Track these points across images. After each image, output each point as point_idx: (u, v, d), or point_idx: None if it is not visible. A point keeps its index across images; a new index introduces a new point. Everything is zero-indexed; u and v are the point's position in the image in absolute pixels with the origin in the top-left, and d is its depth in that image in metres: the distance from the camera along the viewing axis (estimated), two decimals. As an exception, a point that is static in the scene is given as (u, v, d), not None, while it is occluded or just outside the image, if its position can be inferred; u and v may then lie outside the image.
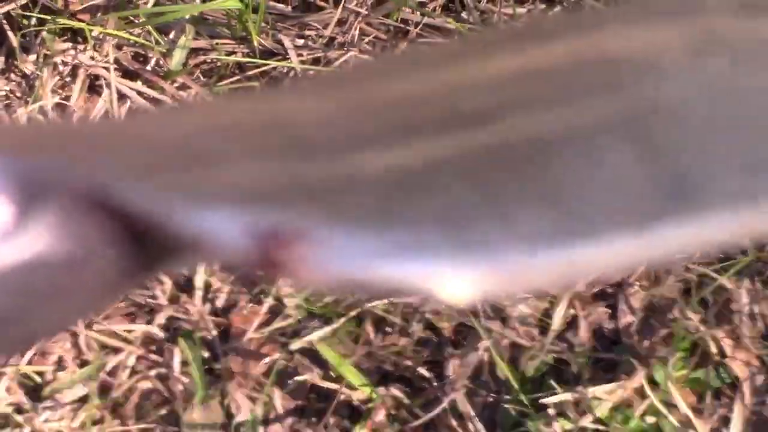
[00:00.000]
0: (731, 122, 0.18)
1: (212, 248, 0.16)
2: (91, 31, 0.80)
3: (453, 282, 0.16)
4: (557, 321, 0.70)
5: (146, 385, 0.72)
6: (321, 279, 0.16)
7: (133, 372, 0.73)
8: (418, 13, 0.79)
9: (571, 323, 0.72)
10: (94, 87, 0.78)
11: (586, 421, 0.69)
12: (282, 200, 0.17)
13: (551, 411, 0.70)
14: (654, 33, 0.21)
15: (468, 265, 0.16)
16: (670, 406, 0.69)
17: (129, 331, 0.73)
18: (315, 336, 0.71)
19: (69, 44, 0.78)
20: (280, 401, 0.72)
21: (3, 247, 0.16)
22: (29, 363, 0.73)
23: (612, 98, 0.19)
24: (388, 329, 0.72)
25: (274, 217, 0.16)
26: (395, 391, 0.71)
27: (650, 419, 0.70)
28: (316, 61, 0.78)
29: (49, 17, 0.80)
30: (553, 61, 0.20)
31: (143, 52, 0.80)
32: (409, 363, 0.71)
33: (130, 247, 0.18)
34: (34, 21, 0.81)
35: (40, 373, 0.73)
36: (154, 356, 0.73)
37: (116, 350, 0.73)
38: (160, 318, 0.73)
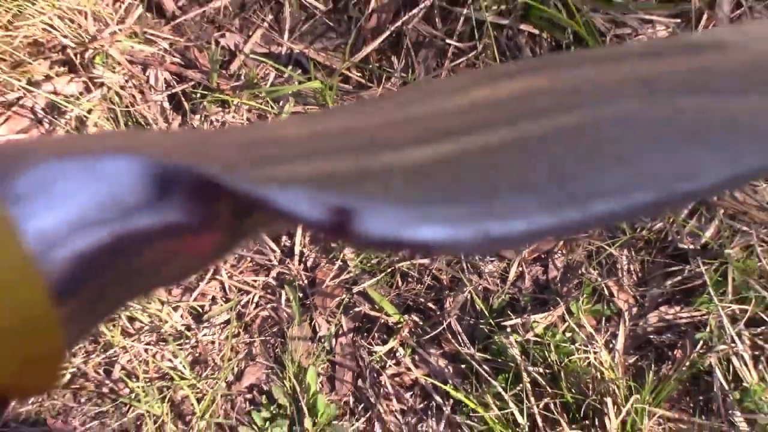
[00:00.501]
0: (611, 143, 0.22)
1: (295, 220, 0.19)
2: (233, 100, 1.02)
3: (447, 245, 0.19)
4: (512, 274, 0.98)
5: (264, 313, 1.01)
6: (367, 242, 0.19)
7: (257, 305, 1.01)
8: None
9: (520, 275, 0.98)
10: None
11: (530, 335, 0.94)
12: (343, 185, 0.20)
13: (508, 330, 0.95)
14: (577, 75, 0.25)
15: (461, 234, 0.19)
16: (580, 326, 0.94)
17: (255, 281, 1.01)
18: (366, 284, 0.98)
19: (219, 109, 1.02)
20: (345, 323, 0.99)
21: (150, 213, 0.20)
22: (195, 300, 1.00)
23: (545, 122, 0.23)
24: (409, 279, 0.99)
25: (337, 198, 0.19)
26: (414, 317, 0.98)
27: (568, 334, 0.95)
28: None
29: (208, 93, 1.02)
30: (509, 92, 0.25)
31: (264, 114, 1.03)
32: (422, 300, 0.98)
33: (236, 218, 0.21)
34: (199, 95, 1.02)
35: (201, 306, 1.01)
36: (269, 296, 1.01)
37: (247, 292, 1.00)
38: (273, 273, 1.01)
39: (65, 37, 1.04)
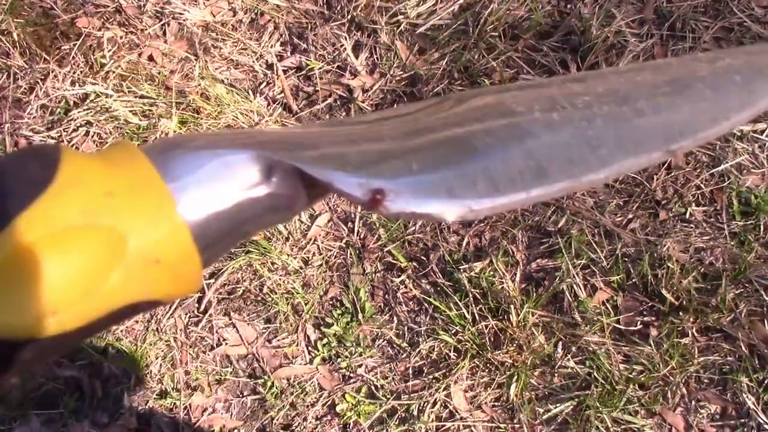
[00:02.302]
0: (561, 140, 0.27)
1: (344, 195, 0.24)
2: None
3: (449, 215, 0.23)
4: (465, 242, 1.64)
5: (339, 261, 1.60)
6: (393, 213, 0.24)
7: (336, 256, 1.60)
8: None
9: (468, 242, 1.63)
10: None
11: (472, 274, 1.54)
12: (376, 169, 0.24)
13: (461, 270, 1.58)
14: (527, 97, 0.31)
15: (456, 208, 0.23)
16: (498, 269, 1.58)
17: (334, 245, 1.60)
18: (391, 246, 1.56)
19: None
20: (379, 266, 1.58)
21: (258, 188, 0.25)
22: (304, 254, 1.62)
23: (509, 126, 0.28)
24: (413, 244, 1.58)
25: (372, 181, 0.23)
26: (414, 264, 1.57)
27: (492, 273, 1.59)
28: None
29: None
30: (482, 105, 0.30)
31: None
32: (419, 254, 1.58)
33: (309, 191, 0.27)
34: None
35: (307, 257, 1.59)
36: (341, 253, 1.60)
37: (330, 249, 1.59)
38: (343, 241, 1.60)
39: (243, 123, 1.56)
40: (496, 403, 1.47)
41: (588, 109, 0.32)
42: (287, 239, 1.63)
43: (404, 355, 1.51)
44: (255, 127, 1.57)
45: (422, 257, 1.59)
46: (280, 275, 1.59)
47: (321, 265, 1.60)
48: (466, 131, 0.31)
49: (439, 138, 0.31)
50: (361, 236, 1.62)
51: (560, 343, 1.49)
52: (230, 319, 1.58)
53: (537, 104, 0.32)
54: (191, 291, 0.28)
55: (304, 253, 1.61)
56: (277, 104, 1.68)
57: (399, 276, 1.59)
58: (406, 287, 1.59)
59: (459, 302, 1.52)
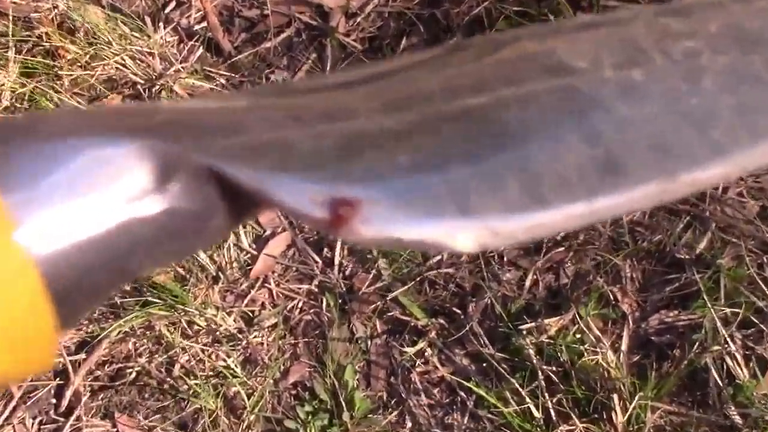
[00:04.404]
0: (643, 118, 0.23)
1: (288, 211, 0.21)
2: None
3: (461, 241, 0.20)
4: (528, 282, 1.20)
5: (308, 317, 1.24)
6: (368, 238, 0.20)
7: (301, 310, 1.25)
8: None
9: (535, 283, 1.21)
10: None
11: (543, 338, 1.16)
12: (341, 166, 0.21)
13: (524, 332, 1.17)
14: (593, 44, 0.26)
15: (472, 229, 0.20)
16: (589, 329, 1.16)
17: (299, 288, 1.25)
18: (398, 291, 1.22)
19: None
20: (379, 326, 1.23)
21: (148, 201, 0.22)
22: (246, 306, 1.23)
23: (563, 92, 0.24)
24: (436, 287, 1.23)
25: (335, 187, 0.20)
26: (441, 321, 1.21)
27: (578, 336, 1.16)
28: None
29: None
30: (517, 55, 0.26)
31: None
32: (448, 305, 1.21)
33: (232, 204, 0.23)
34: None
35: (252, 311, 1.25)
36: (312, 302, 1.24)
37: (293, 298, 1.25)
38: (316, 281, 1.24)
39: (135, 74, 1.30)
40: None
41: (693, 63, 0.25)
42: (215, 279, 1.31)
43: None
44: (156, 84, 1.32)
45: (455, 309, 1.25)
46: (204, 344, 1.27)
47: (275, 325, 1.28)
48: (490, 101, 0.25)
49: (446, 112, 0.25)
50: (346, 272, 1.29)
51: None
52: (113, 426, 1.27)
53: (608, 55, 0.26)
54: (39, 371, 0.23)
55: (246, 305, 1.29)
56: (197, 41, 1.41)
57: (414, 343, 1.25)
58: (426, 363, 1.24)
59: (521, 388, 1.17)
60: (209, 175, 0.22)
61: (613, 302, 1.23)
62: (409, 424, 1.22)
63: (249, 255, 1.33)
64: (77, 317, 0.23)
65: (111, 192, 0.22)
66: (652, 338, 1.22)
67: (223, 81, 1.32)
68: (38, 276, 0.21)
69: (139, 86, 1.29)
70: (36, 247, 0.21)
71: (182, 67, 1.34)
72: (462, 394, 1.21)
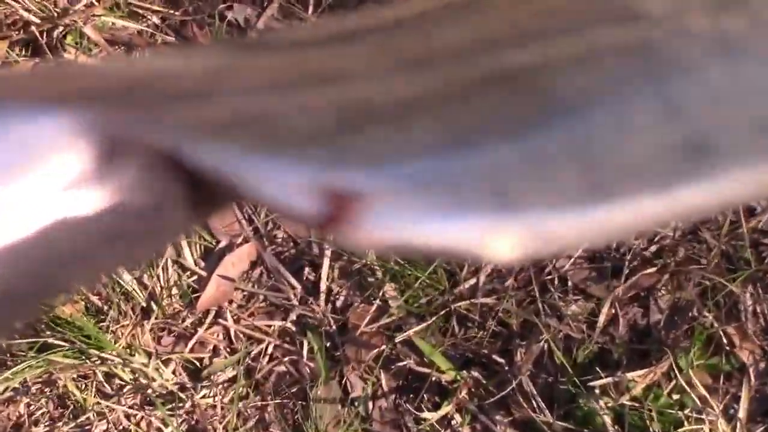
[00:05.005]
0: (745, 84, 0.22)
1: (270, 205, 0.19)
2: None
3: (498, 243, 0.19)
4: (602, 318, 1.00)
5: (281, 368, 1.07)
6: (376, 241, 0.19)
7: (271, 358, 1.07)
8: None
9: (613, 319, 1.01)
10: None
11: (624, 399, 0.98)
12: (338, 146, 0.20)
13: (597, 391, 0.98)
14: None
15: (510, 227, 0.19)
16: (691, 386, 0.97)
17: (269, 326, 1.07)
18: (412, 330, 1.02)
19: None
20: (385, 382, 1.04)
21: (85, 194, 0.20)
22: (191, 351, 1.05)
23: (636, 47, 0.23)
24: (469, 324, 1.03)
25: (330, 173, 0.19)
26: (475, 374, 1.02)
27: (675, 396, 0.98)
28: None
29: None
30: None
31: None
32: (485, 351, 1.02)
33: (198, 194, 0.22)
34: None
35: (200, 359, 1.08)
36: (287, 345, 1.07)
37: (259, 341, 1.08)
38: (293, 315, 1.07)
39: (28, 10, 1.11)
40: None
41: None
42: (146, 312, 1.17)
43: None
44: (58, 25, 1.16)
45: (496, 357, 1.08)
46: (129, 407, 1.11)
47: (234, 379, 1.11)
48: (537, 59, 0.23)
49: (479, 74, 0.23)
50: (338, 303, 1.12)
51: None
52: None
53: None
54: None
55: (192, 350, 1.14)
56: None
57: (437, 406, 1.07)
58: None
59: None
60: (165, 156, 0.21)
61: (727, 348, 1.04)
62: None
63: (195, 276, 1.18)
64: None
65: (37, 180, 0.20)
66: None
67: (156, 20, 1.16)
68: None
69: (33, 28, 1.13)
70: None
71: (97, 1, 1.16)
72: (504, 482, 1.02)
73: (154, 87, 0.23)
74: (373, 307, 1.08)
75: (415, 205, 0.19)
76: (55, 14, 1.11)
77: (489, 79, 0.23)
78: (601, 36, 0.23)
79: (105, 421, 1.07)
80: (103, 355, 1.09)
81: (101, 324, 1.12)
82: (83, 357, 1.11)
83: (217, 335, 1.11)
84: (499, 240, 0.19)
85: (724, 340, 1.02)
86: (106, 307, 1.13)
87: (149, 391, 1.08)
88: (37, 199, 0.20)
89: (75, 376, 1.11)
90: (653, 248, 1.05)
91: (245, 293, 1.14)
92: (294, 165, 0.20)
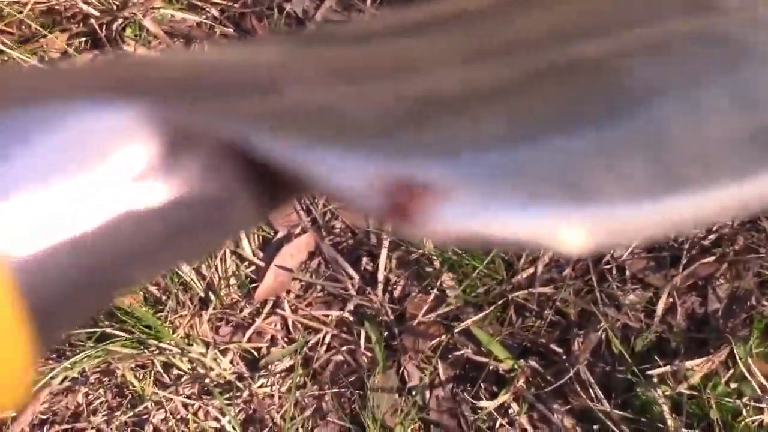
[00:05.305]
0: None
1: (337, 196, 0.20)
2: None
3: (569, 235, 0.19)
4: (660, 307, 1.01)
5: (339, 358, 1.08)
6: (446, 232, 0.19)
7: (329, 348, 1.08)
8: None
9: (671, 308, 1.03)
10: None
11: (682, 388, 0.99)
12: (408, 138, 0.20)
13: (655, 379, 0.99)
14: None
15: (583, 218, 0.19)
16: (751, 374, 0.98)
17: (326, 316, 1.09)
18: (470, 320, 1.04)
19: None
20: (442, 371, 1.05)
21: (153, 186, 0.21)
22: (248, 341, 1.06)
23: (710, 37, 0.23)
24: (526, 314, 1.05)
25: (398, 167, 0.19)
26: (533, 363, 1.03)
27: (733, 385, 0.99)
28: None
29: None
30: None
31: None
32: (543, 341, 1.04)
33: (262, 187, 0.22)
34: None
35: (257, 349, 1.09)
36: (345, 335, 1.08)
37: (316, 331, 1.09)
38: (350, 305, 1.08)
39: (87, 3, 1.12)
40: None
41: None
42: (204, 302, 1.17)
43: None
44: (117, 17, 1.18)
45: (553, 347, 1.09)
46: (187, 397, 1.12)
47: (292, 369, 1.12)
48: (610, 49, 0.23)
49: (551, 65, 0.23)
50: (396, 292, 1.13)
51: None
52: None
53: None
54: (11, 404, 0.22)
55: (249, 340, 1.14)
56: None
57: (494, 395, 1.08)
58: (511, 424, 1.08)
59: None
60: (231, 149, 0.21)
61: None
62: None
63: (253, 267, 1.19)
64: (57, 338, 0.23)
65: (104, 173, 0.20)
66: None
67: (215, 13, 1.17)
68: (11, 284, 0.20)
69: (92, 20, 1.13)
70: (9, 249, 0.20)
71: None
72: (565, 474, 1.03)
73: (218, 79, 0.23)
74: (431, 297, 1.09)
75: (490, 196, 0.19)
76: (115, 6, 1.12)
77: (561, 70, 0.23)
78: (675, 26, 0.24)
79: (163, 410, 1.07)
80: (161, 344, 1.11)
81: (159, 314, 1.13)
82: (141, 347, 1.12)
83: (275, 325, 1.12)
84: (572, 231, 0.19)
85: None
86: (164, 297, 1.14)
87: (207, 380, 1.08)
88: (103, 191, 0.20)
89: (133, 365, 1.12)
90: (712, 237, 1.05)
91: (303, 283, 1.15)
92: (363, 156, 0.20)
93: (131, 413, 1.09)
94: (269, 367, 1.10)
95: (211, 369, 1.08)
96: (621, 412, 1.02)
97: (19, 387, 0.21)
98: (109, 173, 0.20)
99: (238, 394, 1.09)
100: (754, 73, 0.22)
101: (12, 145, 0.19)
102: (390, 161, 0.20)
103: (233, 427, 1.07)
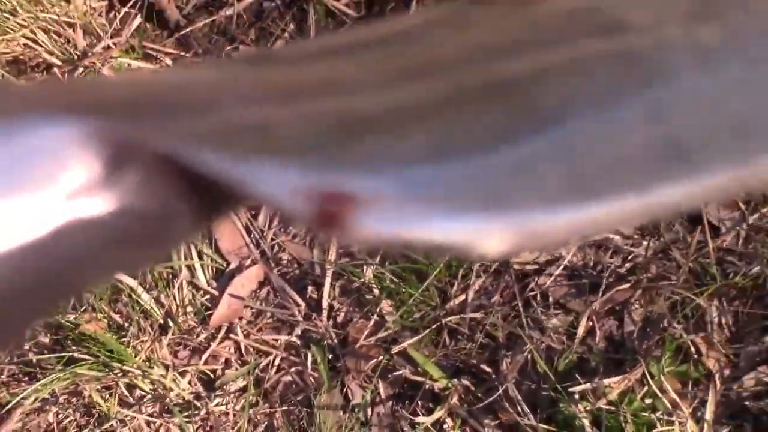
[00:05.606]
0: (718, 91, 0.22)
1: (270, 204, 0.20)
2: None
3: (489, 240, 0.19)
4: (580, 330, 1.05)
5: (288, 378, 1.12)
6: (370, 237, 0.19)
7: (278, 369, 1.11)
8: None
9: (590, 331, 1.07)
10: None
11: (601, 403, 1.03)
12: (336, 150, 0.21)
13: (576, 396, 1.03)
14: None
15: (501, 225, 0.19)
16: (663, 391, 1.01)
17: (276, 340, 1.13)
18: (407, 343, 1.08)
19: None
20: (383, 390, 1.09)
21: (95, 198, 0.21)
22: (205, 363, 1.11)
23: (619, 57, 0.23)
24: (459, 337, 1.08)
25: (326, 178, 0.20)
26: (465, 382, 1.07)
27: (648, 401, 1.03)
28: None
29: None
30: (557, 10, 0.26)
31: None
32: (474, 361, 1.07)
33: (201, 199, 0.22)
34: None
35: (213, 371, 1.13)
36: (293, 358, 1.12)
37: (267, 354, 1.13)
38: (298, 330, 1.12)
39: (50, 53, 1.17)
40: None
41: None
42: (163, 329, 1.22)
43: None
44: (78, 66, 1.24)
45: (484, 367, 1.13)
46: (149, 415, 1.17)
47: (244, 389, 1.17)
48: (527, 68, 0.24)
49: (472, 83, 0.24)
50: (339, 318, 1.18)
51: None
52: None
53: (673, 8, 0.25)
54: None
55: (206, 363, 1.20)
56: (132, 7, 1.29)
57: (430, 411, 1.13)
58: None
59: None
60: (170, 164, 0.21)
61: (695, 356, 1.10)
62: None
63: (208, 296, 1.23)
64: (6, 341, 0.23)
65: (48, 186, 0.21)
66: (747, 404, 1.09)
67: (168, 61, 1.23)
68: None
69: (55, 69, 1.20)
70: None
71: (114, 43, 1.24)
72: (493, 481, 1.07)
73: (158, 98, 0.23)
74: (371, 322, 1.13)
75: (411, 205, 0.19)
76: (76, 57, 1.16)
77: (482, 89, 0.23)
78: (587, 46, 0.24)
79: (127, 428, 1.12)
80: (124, 367, 1.15)
81: (122, 339, 1.17)
82: (106, 369, 1.15)
83: (229, 349, 1.16)
84: (492, 236, 0.19)
85: (692, 349, 1.07)
86: (126, 324, 1.18)
87: (167, 400, 1.12)
88: (47, 202, 0.20)
89: (99, 387, 1.16)
90: (627, 265, 1.09)
91: (254, 310, 1.19)
92: (291, 167, 0.20)
93: (98, 431, 1.13)
94: (224, 387, 1.14)
95: (171, 389, 1.12)
96: (546, 426, 1.05)
97: None
98: (52, 185, 0.21)
99: (196, 412, 1.12)
100: (661, 91, 0.23)
101: None
102: (318, 172, 0.20)
103: (192, 443, 1.06)
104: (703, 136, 0.22)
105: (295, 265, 1.22)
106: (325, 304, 1.15)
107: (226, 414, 1.14)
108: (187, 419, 1.12)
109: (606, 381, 1.07)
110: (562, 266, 1.12)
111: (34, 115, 0.21)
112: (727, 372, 1.09)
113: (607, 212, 0.20)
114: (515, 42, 0.25)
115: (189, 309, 1.21)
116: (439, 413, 1.09)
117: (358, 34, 0.28)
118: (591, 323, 1.11)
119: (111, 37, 1.23)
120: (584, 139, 0.21)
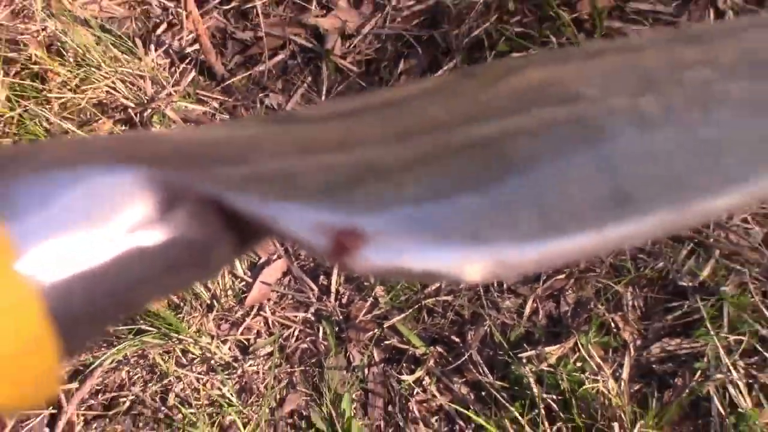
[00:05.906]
0: (656, 150, 0.23)
1: (293, 240, 0.21)
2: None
3: (470, 271, 0.20)
4: (527, 309, 1.19)
5: (304, 345, 1.23)
6: (374, 268, 0.20)
7: (297, 339, 1.23)
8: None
9: (535, 311, 1.20)
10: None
11: (543, 366, 1.15)
12: (346, 196, 0.22)
13: (524, 360, 1.15)
14: (603, 71, 0.27)
15: (481, 259, 0.20)
16: (590, 357, 1.14)
17: (295, 316, 1.23)
18: (395, 319, 1.21)
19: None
20: (376, 354, 1.21)
21: (151, 231, 0.22)
22: (241, 334, 1.22)
23: (574, 121, 0.24)
24: (435, 314, 1.22)
25: (339, 215, 0.21)
26: (439, 349, 1.20)
27: (578, 364, 1.14)
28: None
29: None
30: (526, 84, 0.26)
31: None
32: (446, 333, 1.20)
33: (237, 233, 0.24)
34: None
35: (247, 339, 1.24)
36: (308, 330, 1.23)
37: (288, 327, 1.23)
38: (312, 309, 1.23)
39: (126, 98, 1.28)
40: None
41: (708, 91, 0.25)
42: (210, 307, 1.28)
43: None
44: (147, 108, 1.30)
45: (453, 337, 1.24)
46: (198, 373, 1.25)
47: (271, 353, 1.26)
48: (499, 130, 0.25)
49: (455, 142, 0.25)
50: (343, 300, 1.27)
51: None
52: (108, 456, 1.17)
53: (619, 84, 0.26)
54: (41, 402, 0.23)
55: (242, 333, 1.26)
56: (189, 63, 1.39)
57: (412, 371, 1.23)
58: (424, 391, 1.21)
59: (521, 417, 1.15)
60: (212, 204, 0.23)
61: (615, 330, 1.21)
62: (407, 455, 1.16)
63: (244, 283, 1.28)
64: (79, 348, 0.23)
65: (112, 222, 0.22)
66: (654, 367, 1.21)
67: (215, 105, 1.30)
68: (42, 306, 0.21)
69: (130, 110, 1.28)
70: (40, 276, 0.21)
71: (174, 91, 1.32)
72: (461, 422, 1.20)
73: (203, 150, 0.24)
74: (368, 303, 1.24)
75: (406, 240, 0.20)
76: (145, 101, 1.26)
77: (462, 146, 0.24)
78: (550, 112, 0.25)
79: (182, 383, 1.21)
80: (180, 336, 1.23)
81: (179, 315, 1.25)
82: (166, 338, 1.24)
83: (259, 323, 1.25)
84: (471, 267, 0.20)
85: (612, 325, 1.18)
86: (182, 303, 1.25)
87: (212, 362, 1.21)
88: (112, 235, 0.22)
89: (160, 351, 1.25)
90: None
91: (279, 294, 1.27)
92: (308, 208, 0.21)
93: (159, 385, 1.22)
94: (255, 352, 1.23)
95: (215, 353, 1.21)
96: (501, 383, 1.17)
97: (47, 386, 0.22)
98: (115, 221, 0.22)
99: (234, 371, 1.21)
100: (609, 147, 0.23)
101: (47, 198, 0.21)
102: (331, 213, 0.21)
103: (231, 394, 1.19)
104: (645, 184, 0.22)
105: (311, 259, 1.29)
106: (333, 289, 1.25)
107: (257, 373, 1.22)
108: (227, 376, 1.21)
109: (547, 349, 1.18)
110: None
111: (102, 163, 0.21)
112: (638, 342, 1.19)
113: (568, 249, 0.21)
114: (492, 108, 0.25)
115: (229, 292, 1.27)
116: (419, 373, 1.20)
117: (363, 100, 0.28)
118: (535, 304, 1.22)
119: (172, 86, 1.31)
120: (548, 185, 0.22)
